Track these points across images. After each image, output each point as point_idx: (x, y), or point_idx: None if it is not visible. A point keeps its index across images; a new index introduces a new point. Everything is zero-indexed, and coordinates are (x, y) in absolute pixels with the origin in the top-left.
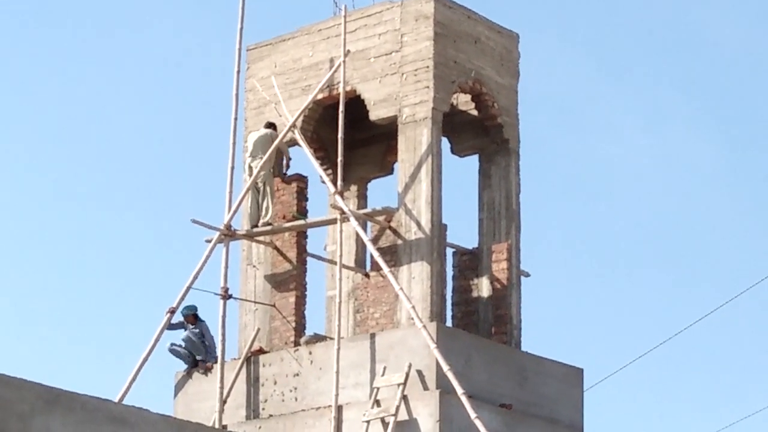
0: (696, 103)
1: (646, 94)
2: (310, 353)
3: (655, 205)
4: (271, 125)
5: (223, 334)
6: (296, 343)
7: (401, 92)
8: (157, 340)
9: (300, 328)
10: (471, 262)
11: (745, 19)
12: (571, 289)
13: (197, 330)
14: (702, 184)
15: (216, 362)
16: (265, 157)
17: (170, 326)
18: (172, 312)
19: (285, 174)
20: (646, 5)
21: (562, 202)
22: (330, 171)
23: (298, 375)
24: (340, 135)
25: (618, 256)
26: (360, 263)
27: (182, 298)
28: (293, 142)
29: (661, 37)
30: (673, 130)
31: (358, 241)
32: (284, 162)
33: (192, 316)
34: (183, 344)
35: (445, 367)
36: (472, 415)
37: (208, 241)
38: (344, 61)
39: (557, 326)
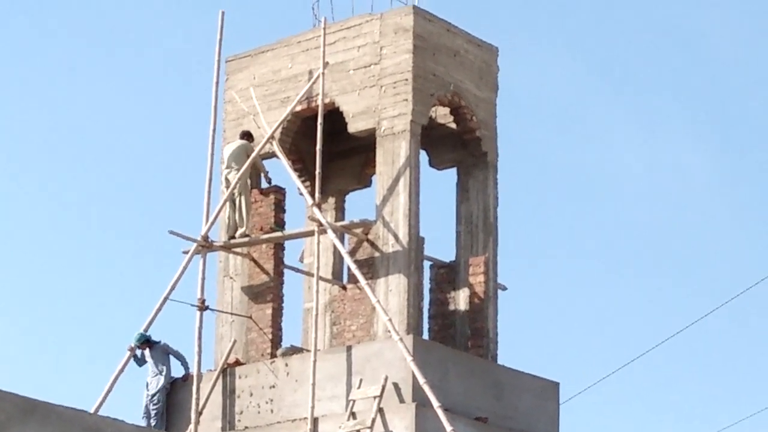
0: (689, 110)
1: (639, 101)
2: (287, 365)
3: (640, 216)
4: (246, 134)
5: (200, 346)
6: (273, 355)
7: (380, 105)
8: (127, 362)
9: (276, 340)
10: (448, 275)
11: (740, 25)
12: (548, 302)
13: (156, 355)
14: (690, 194)
15: (190, 372)
16: (242, 170)
17: (136, 360)
18: (132, 350)
19: (269, 184)
20: (639, 12)
21: (542, 214)
22: (308, 183)
23: (274, 387)
24: (318, 147)
25: (596, 269)
26: (337, 275)
27: (159, 309)
28: (271, 154)
29: (653, 44)
30: (665, 137)
31: (336, 253)
32: (263, 176)
33: (145, 343)
34: (158, 403)
35: (422, 380)
36: (448, 428)
37: (186, 253)
38: (323, 73)
39: (534, 340)
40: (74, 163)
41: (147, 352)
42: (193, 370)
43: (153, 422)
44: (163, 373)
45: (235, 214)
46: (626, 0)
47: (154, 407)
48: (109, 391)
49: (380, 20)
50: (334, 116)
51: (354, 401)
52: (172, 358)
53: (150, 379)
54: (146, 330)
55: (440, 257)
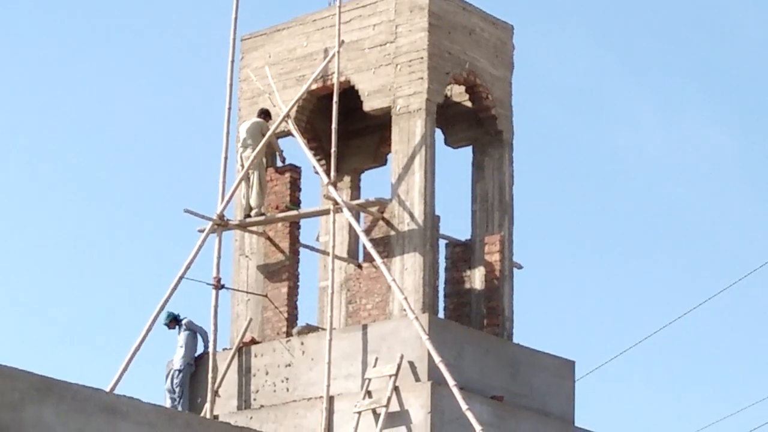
0: (709, 90)
1: (656, 79)
2: (302, 344)
3: (652, 193)
4: (264, 112)
5: (215, 324)
6: (288, 334)
7: (395, 83)
8: (148, 331)
9: (292, 318)
10: (464, 254)
11: (761, 8)
12: (563, 281)
13: (183, 332)
14: (711, 173)
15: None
16: (257, 148)
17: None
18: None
19: (282, 164)
20: None
21: (557, 192)
22: (323, 161)
23: (289, 365)
24: (333, 125)
25: (612, 247)
26: (353, 254)
27: (174, 288)
28: (287, 133)
29: (676, 26)
30: (687, 119)
31: (351, 231)
32: (278, 156)
33: (173, 321)
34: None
35: (437, 359)
36: (464, 406)
37: (201, 231)
38: (338, 52)
39: (549, 318)
40: (91, 142)
41: (176, 330)
42: (210, 349)
43: (178, 397)
44: (185, 350)
45: (251, 193)
46: None
47: (178, 385)
48: (125, 370)
49: None
50: (350, 95)
51: (369, 380)
52: (196, 335)
53: (175, 355)
54: (162, 309)
55: (456, 236)
